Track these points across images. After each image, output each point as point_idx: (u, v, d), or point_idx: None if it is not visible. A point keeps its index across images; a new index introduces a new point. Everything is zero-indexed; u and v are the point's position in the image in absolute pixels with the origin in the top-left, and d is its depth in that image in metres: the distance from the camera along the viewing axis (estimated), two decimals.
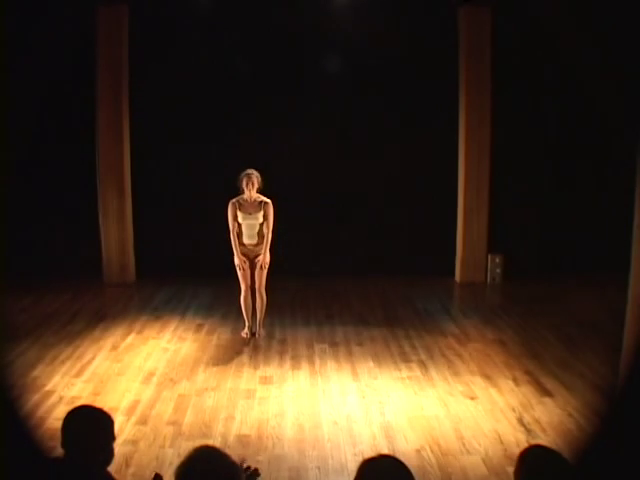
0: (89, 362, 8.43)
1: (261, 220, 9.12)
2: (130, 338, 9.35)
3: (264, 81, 11.84)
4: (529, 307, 10.70)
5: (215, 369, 8.31)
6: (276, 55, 11.83)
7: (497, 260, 11.98)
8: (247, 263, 9.24)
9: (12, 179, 11.40)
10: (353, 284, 11.86)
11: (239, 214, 9.12)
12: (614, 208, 10.95)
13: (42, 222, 11.84)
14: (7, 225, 11.26)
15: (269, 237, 9.17)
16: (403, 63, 11.84)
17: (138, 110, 11.76)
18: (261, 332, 9.44)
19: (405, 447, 6.42)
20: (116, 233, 11.83)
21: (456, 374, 8.14)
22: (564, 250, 12.22)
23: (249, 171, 9.07)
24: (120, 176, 11.73)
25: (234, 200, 9.15)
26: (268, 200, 9.16)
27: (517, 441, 6.44)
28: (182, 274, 11.99)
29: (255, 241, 9.20)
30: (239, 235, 9.18)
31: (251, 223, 9.13)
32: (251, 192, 9.03)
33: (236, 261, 9.21)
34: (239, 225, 9.16)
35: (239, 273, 9.27)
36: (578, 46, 9.78)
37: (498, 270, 12.00)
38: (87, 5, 11.18)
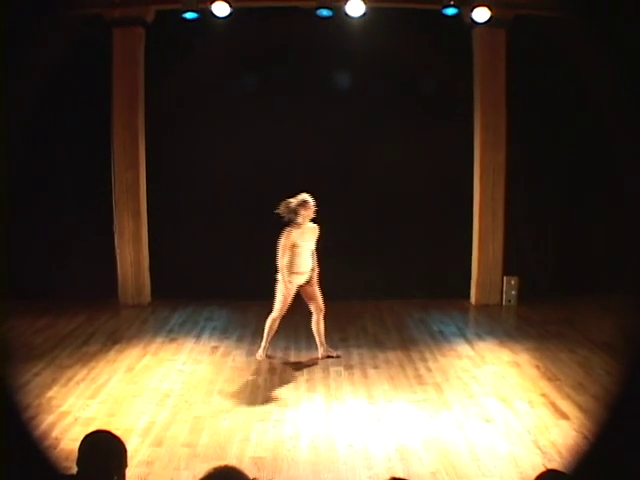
0: (104, 384, 8.44)
1: (314, 246, 9.10)
2: (145, 360, 9.36)
3: (280, 98, 11.81)
4: (544, 329, 10.65)
5: (230, 391, 8.31)
6: (292, 73, 11.83)
7: (513, 282, 11.93)
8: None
9: (28, 200, 11.47)
10: (368, 307, 11.82)
11: (300, 243, 8.95)
12: (630, 230, 10.91)
13: (57, 243, 11.87)
14: (23, 246, 11.32)
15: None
16: (418, 84, 11.85)
17: (154, 131, 11.82)
18: (333, 352, 9.53)
19: (420, 470, 6.40)
20: (132, 255, 11.84)
21: (471, 396, 8.12)
22: (579, 272, 12.15)
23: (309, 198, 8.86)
24: (136, 197, 11.76)
25: (293, 229, 8.89)
26: (317, 225, 9.10)
27: (533, 464, 6.40)
28: (197, 296, 11.98)
29: (310, 267, 9.12)
30: (294, 264, 8.99)
31: (308, 250, 9.07)
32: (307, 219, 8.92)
33: (285, 289, 9.00)
34: (296, 253, 8.97)
35: (281, 297, 9.09)
36: (594, 66, 9.76)
37: (514, 292, 11.94)
38: (104, 27, 11.27)
